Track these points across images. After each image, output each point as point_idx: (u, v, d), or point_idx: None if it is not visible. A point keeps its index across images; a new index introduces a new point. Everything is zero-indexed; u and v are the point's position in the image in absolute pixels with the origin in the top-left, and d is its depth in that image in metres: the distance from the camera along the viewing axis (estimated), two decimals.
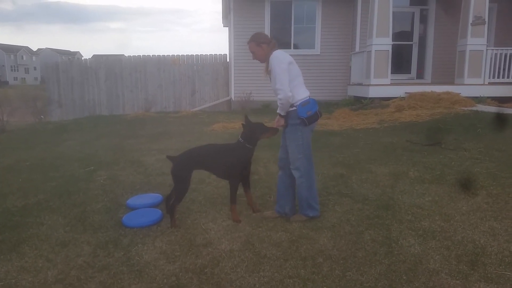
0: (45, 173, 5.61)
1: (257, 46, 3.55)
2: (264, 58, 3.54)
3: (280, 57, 3.42)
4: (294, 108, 3.44)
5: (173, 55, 13.98)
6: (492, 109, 8.54)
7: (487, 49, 10.90)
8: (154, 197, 4.33)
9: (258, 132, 3.66)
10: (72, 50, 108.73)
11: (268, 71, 3.53)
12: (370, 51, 10.86)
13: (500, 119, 7.31)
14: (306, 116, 3.41)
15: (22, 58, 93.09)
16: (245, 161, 3.69)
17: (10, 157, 6.87)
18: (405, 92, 10.43)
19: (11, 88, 47.72)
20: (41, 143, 8.24)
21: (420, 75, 13.15)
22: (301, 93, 3.46)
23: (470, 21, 10.68)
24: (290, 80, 3.39)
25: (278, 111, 3.51)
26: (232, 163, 3.64)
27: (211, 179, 4.91)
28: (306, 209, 3.64)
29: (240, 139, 3.66)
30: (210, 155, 3.74)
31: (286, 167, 3.66)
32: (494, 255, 2.89)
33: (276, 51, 3.48)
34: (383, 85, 10.84)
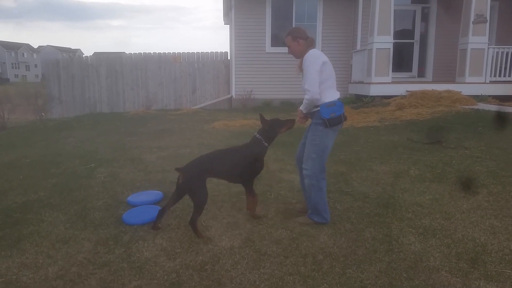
0: (45, 170, 5.62)
1: (293, 40, 3.49)
2: (300, 54, 3.49)
3: (315, 57, 3.37)
4: (317, 108, 3.40)
5: (173, 53, 13.97)
6: (493, 107, 8.53)
7: (488, 48, 10.87)
8: (155, 194, 4.33)
9: (277, 127, 3.59)
10: (73, 48, 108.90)
11: (300, 69, 3.48)
12: (371, 49, 10.84)
13: (501, 117, 7.30)
14: (329, 117, 3.35)
15: (23, 55, 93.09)
16: (262, 159, 3.58)
17: (10, 154, 6.87)
18: (406, 91, 10.41)
19: (12, 85, 47.70)
20: (41, 140, 8.24)
21: (421, 73, 13.13)
22: (329, 96, 3.39)
23: (472, 19, 10.65)
24: (321, 82, 3.34)
25: (300, 108, 3.49)
26: (251, 163, 3.51)
27: None
28: (313, 214, 3.52)
29: (257, 135, 3.57)
30: (223, 161, 3.53)
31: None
32: (494, 253, 2.89)
33: (313, 49, 3.44)
34: (384, 84, 10.83)
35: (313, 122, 3.48)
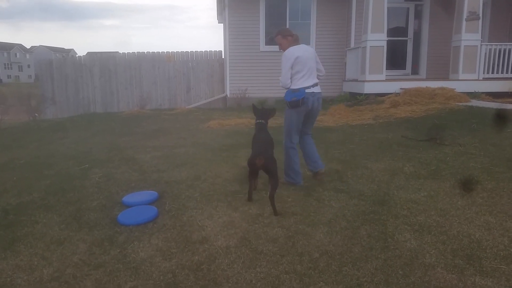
0: (39, 171, 5.58)
1: (283, 38, 4.30)
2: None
3: (289, 55, 4.17)
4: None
5: (168, 52, 13.92)
6: (486, 104, 8.57)
7: (481, 45, 10.92)
8: (150, 194, 4.31)
9: (269, 113, 4.51)
10: (66, 48, 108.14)
11: None
12: (365, 47, 10.86)
13: (494, 114, 7.34)
14: (290, 100, 4.21)
15: (16, 55, 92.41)
16: None
17: (4, 156, 6.82)
18: (400, 88, 10.44)
19: (4, 86, 47.34)
20: (35, 141, 8.19)
21: (415, 70, 13.17)
22: (297, 84, 4.20)
23: (465, 16, 10.70)
24: (293, 73, 4.19)
25: None
26: (271, 139, 4.30)
27: (207, 176, 4.91)
28: (285, 175, 4.45)
29: (261, 121, 4.39)
30: (271, 144, 4.21)
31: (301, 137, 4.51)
32: (489, 249, 2.91)
33: (292, 47, 4.23)
34: (378, 81, 10.85)
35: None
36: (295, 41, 4.28)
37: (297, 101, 4.18)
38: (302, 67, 4.18)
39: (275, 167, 3.88)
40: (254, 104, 4.65)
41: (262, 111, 4.55)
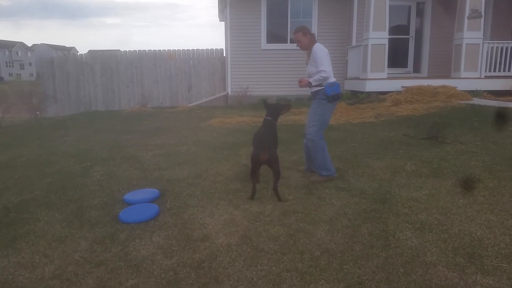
0: (41, 169, 5.59)
1: (304, 36, 4.40)
2: (308, 46, 4.42)
3: (323, 49, 4.35)
4: (322, 87, 4.33)
5: (169, 50, 13.91)
6: (488, 102, 8.56)
7: (483, 43, 10.89)
8: (151, 192, 4.31)
9: (280, 109, 4.52)
10: (67, 46, 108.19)
11: (309, 57, 4.42)
12: (367, 45, 10.83)
13: (496, 112, 7.32)
14: (331, 94, 4.33)
15: (17, 53, 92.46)
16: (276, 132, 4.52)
17: (5, 154, 6.83)
18: (402, 86, 10.42)
19: (6, 84, 47.37)
20: (36, 139, 8.19)
21: (416, 69, 13.14)
22: (331, 78, 4.36)
23: (467, 14, 10.67)
24: None
25: (310, 80, 4.33)
26: (275, 137, 4.37)
27: (208, 174, 4.91)
28: (320, 170, 4.48)
29: (268, 118, 4.39)
30: (272, 139, 4.28)
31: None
32: (490, 247, 2.91)
33: (318, 43, 4.38)
34: (380, 79, 10.83)
35: (317, 98, 4.42)
36: (314, 40, 4.43)
37: (337, 94, 4.38)
38: (330, 62, 4.40)
39: (278, 161, 4.02)
40: (264, 100, 4.83)
41: (274, 106, 4.53)
